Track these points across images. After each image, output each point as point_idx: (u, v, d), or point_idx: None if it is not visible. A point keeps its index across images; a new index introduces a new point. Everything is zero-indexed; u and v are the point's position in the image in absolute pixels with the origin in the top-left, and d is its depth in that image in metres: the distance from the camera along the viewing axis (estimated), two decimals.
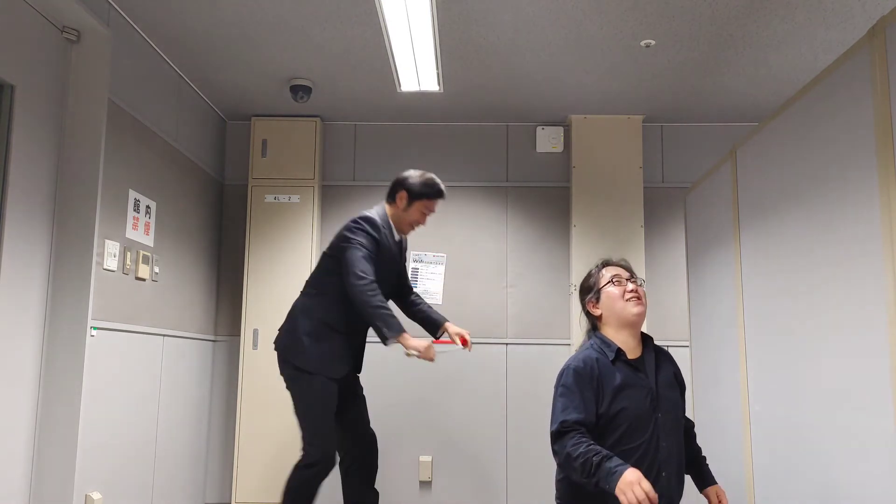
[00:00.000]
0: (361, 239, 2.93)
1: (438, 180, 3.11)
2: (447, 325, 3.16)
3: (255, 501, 4.32)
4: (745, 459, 2.80)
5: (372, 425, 4.72)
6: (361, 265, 2.86)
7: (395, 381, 4.57)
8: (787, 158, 2.44)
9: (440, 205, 3.16)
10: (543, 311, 4.62)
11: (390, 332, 2.82)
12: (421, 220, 3.09)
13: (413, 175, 3.09)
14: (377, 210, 3.09)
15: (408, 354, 2.86)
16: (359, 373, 3.23)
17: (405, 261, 3.33)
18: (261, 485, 4.28)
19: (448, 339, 3.05)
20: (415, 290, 3.45)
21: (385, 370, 4.55)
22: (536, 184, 4.74)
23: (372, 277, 2.86)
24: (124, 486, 3.43)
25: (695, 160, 4.74)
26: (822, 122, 2.17)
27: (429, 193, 3.06)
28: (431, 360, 2.85)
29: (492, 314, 4.62)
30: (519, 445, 4.51)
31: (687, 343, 4.51)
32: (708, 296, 3.36)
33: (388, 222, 3.07)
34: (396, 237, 3.13)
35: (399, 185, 3.08)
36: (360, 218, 2.99)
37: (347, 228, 2.99)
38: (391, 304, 3.10)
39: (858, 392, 1.95)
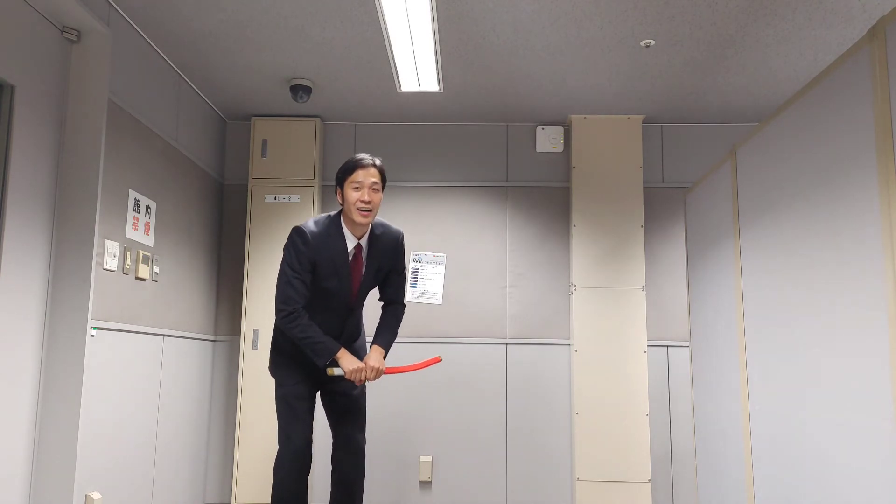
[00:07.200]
0: (287, 256, 2.80)
1: (361, 154, 2.89)
2: (367, 356, 2.87)
3: (255, 501, 4.32)
4: (746, 459, 2.80)
5: (372, 425, 4.71)
6: (281, 294, 2.77)
7: (396, 381, 4.57)
8: (787, 158, 2.44)
9: (369, 173, 2.82)
10: (543, 311, 4.62)
11: (319, 361, 2.78)
12: (360, 199, 2.78)
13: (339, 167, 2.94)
14: (325, 216, 2.91)
15: (330, 372, 2.80)
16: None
17: (381, 271, 2.98)
18: (261, 485, 4.28)
19: (338, 369, 2.81)
20: (397, 304, 3.07)
21: None
22: (536, 184, 4.74)
23: (294, 305, 2.74)
24: (124, 486, 3.43)
25: (695, 160, 4.74)
26: (822, 122, 2.17)
27: (346, 169, 2.85)
28: (357, 382, 2.80)
29: (492, 314, 4.62)
30: (519, 445, 4.51)
31: (687, 343, 4.52)
32: (708, 296, 3.36)
33: (340, 227, 2.86)
34: (352, 244, 2.87)
35: (335, 187, 2.93)
36: (292, 229, 2.85)
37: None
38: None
39: (859, 391, 1.95)
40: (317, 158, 4.64)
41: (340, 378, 2.90)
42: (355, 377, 2.77)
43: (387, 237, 2.96)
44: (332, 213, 2.93)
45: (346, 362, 2.77)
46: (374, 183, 2.82)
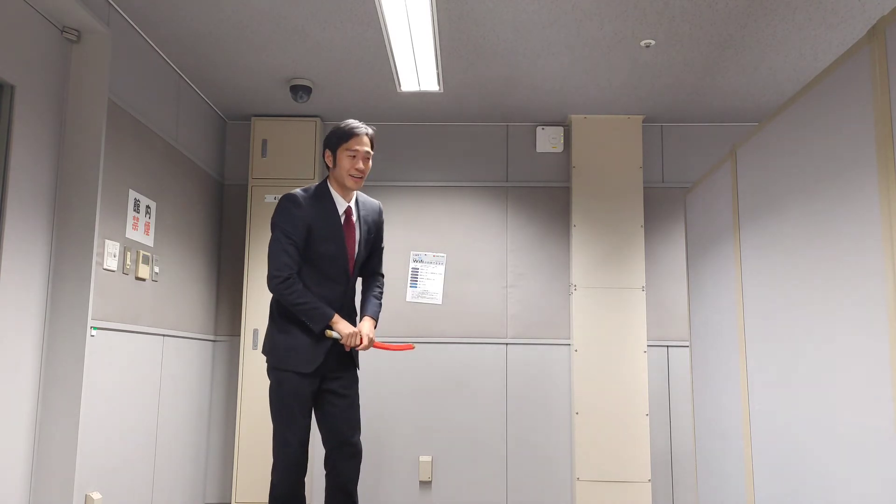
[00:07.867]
0: (280, 223, 2.84)
1: (354, 122, 2.91)
2: (360, 325, 2.94)
3: (255, 501, 4.32)
4: (745, 459, 2.80)
5: (372, 425, 4.70)
6: (276, 261, 2.81)
7: (396, 381, 4.57)
8: (787, 158, 2.44)
9: (363, 142, 2.87)
10: (543, 311, 4.62)
11: (315, 327, 2.81)
12: (354, 167, 2.86)
13: (331, 130, 2.94)
14: (312, 185, 2.98)
15: (328, 335, 2.85)
16: (357, 368, 3.07)
17: (371, 239, 3.03)
18: (261, 485, 4.28)
19: (334, 333, 2.85)
20: (378, 274, 3.13)
21: (385, 370, 4.56)
22: (536, 184, 4.74)
23: (287, 272, 2.79)
24: (124, 486, 3.43)
25: (695, 160, 4.74)
26: (822, 121, 2.17)
27: (340, 136, 2.89)
28: (347, 346, 2.84)
29: (492, 314, 4.62)
30: (519, 445, 4.51)
31: (687, 343, 4.52)
32: (708, 296, 3.36)
33: (328, 191, 2.91)
34: (342, 207, 2.92)
35: (323, 148, 2.98)
36: (282, 197, 2.90)
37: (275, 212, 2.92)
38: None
39: (859, 392, 1.95)
40: (317, 158, 4.64)
41: (337, 374, 2.91)
42: (350, 341, 2.82)
43: (370, 205, 3.06)
44: (321, 182, 2.98)
45: (342, 326, 2.82)
46: (367, 152, 2.91)
